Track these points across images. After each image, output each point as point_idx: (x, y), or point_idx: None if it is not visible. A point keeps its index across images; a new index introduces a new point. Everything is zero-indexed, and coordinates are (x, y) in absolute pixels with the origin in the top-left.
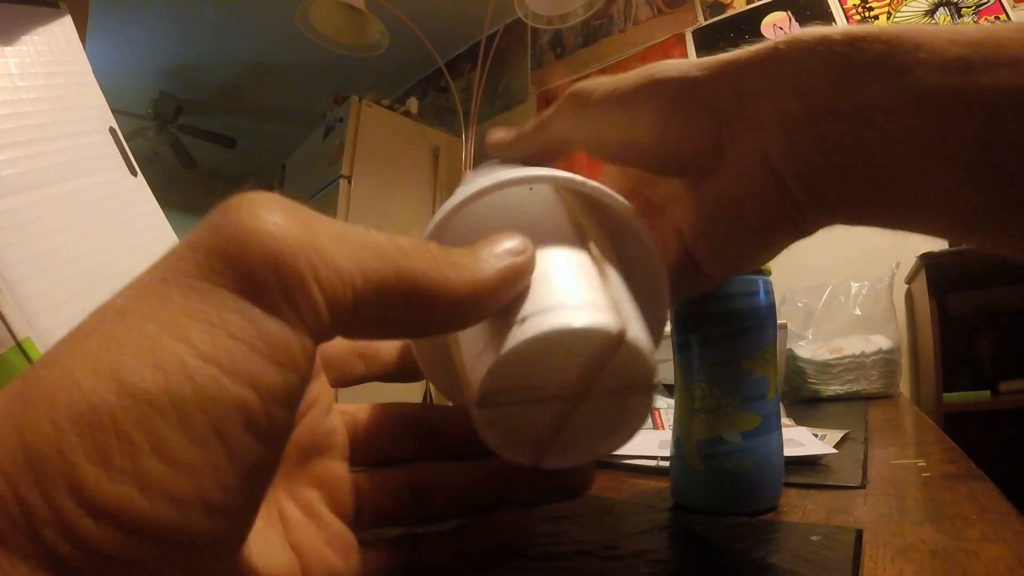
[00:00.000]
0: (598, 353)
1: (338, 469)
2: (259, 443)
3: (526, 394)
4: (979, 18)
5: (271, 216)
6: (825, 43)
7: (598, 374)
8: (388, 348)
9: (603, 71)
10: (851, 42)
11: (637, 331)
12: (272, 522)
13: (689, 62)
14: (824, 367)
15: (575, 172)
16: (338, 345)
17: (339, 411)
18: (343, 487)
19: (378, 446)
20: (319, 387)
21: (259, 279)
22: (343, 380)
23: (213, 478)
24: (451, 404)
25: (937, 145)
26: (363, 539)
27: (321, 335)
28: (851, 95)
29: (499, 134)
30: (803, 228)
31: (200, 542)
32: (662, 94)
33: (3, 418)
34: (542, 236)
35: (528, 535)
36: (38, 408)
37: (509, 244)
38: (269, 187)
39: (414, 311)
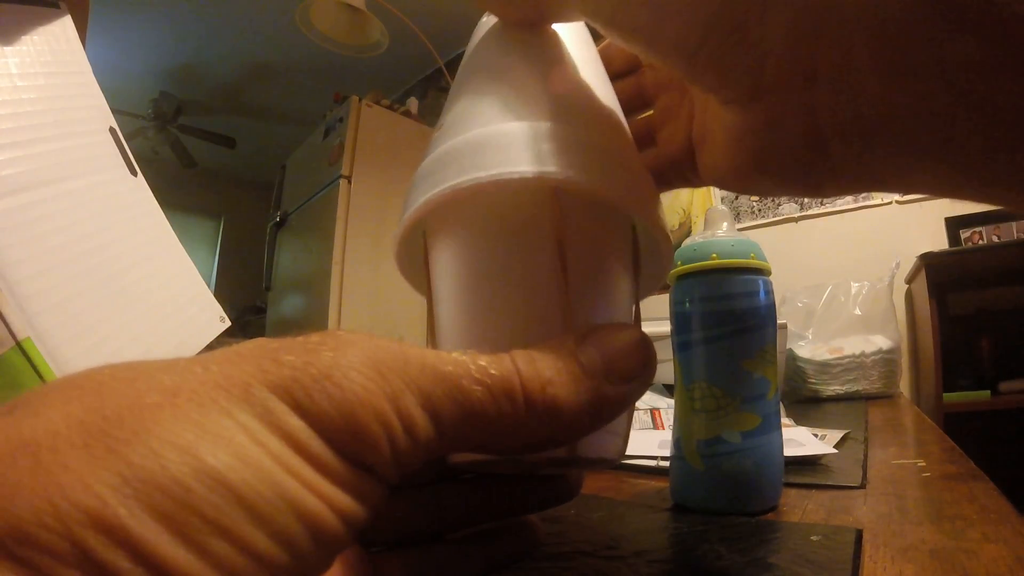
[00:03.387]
0: None
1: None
2: (321, 552)
3: None
4: None
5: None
6: None
7: None
8: None
9: None
10: None
11: None
12: None
13: None
14: (824, 367)
15: None
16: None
17: None
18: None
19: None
20: None
21: (336, 432)
22: None
23: (270, 570)
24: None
25: None
26: (383, 548)
27: (392, 479)
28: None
29: None
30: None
31: None
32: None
33: (73, 463)
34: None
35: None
36: (107, 462)
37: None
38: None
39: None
